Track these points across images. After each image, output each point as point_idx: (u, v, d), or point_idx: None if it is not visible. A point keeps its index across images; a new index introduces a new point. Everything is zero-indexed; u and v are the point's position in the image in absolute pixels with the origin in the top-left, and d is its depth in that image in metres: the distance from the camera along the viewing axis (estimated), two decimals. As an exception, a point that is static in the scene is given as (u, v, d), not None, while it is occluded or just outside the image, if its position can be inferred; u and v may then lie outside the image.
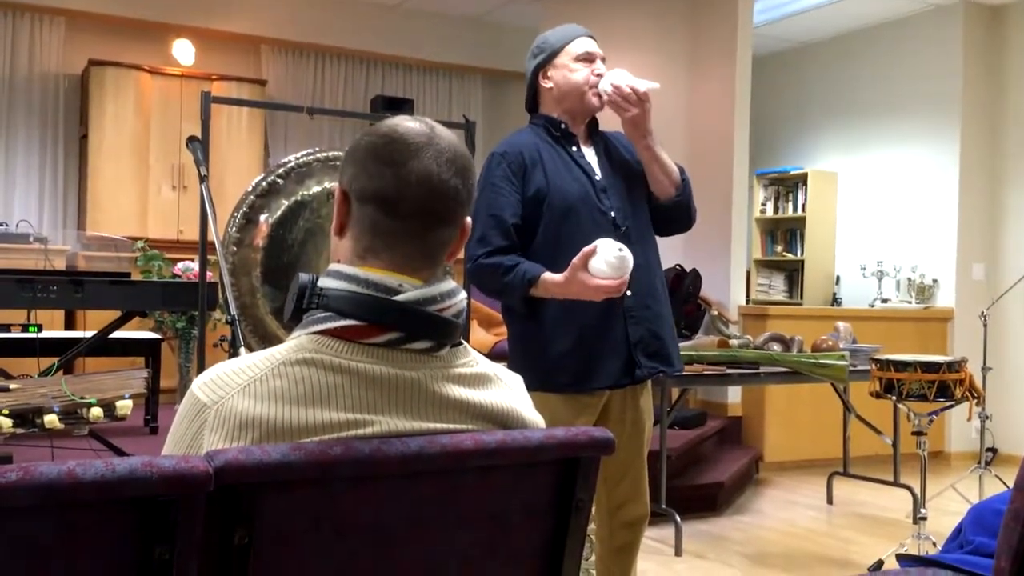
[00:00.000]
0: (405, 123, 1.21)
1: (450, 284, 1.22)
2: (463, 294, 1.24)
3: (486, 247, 2.38)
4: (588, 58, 2.49)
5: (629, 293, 2.39)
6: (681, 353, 4.54)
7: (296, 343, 1.15)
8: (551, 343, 2.42)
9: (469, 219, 1.27)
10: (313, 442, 1.07)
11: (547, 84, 2.52)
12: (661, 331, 2.51)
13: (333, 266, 1.21)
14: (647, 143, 2.48)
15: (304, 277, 1.19)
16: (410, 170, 1.17)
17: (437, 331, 1.18)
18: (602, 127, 2.64)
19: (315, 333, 1.15)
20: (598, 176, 2.50)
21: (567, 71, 2.48)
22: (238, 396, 1.10)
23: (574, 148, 2.51)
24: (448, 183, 1.19)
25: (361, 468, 1.06)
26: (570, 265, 2.24)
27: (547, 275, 2.33)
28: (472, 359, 1.25)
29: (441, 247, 1.23)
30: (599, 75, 2.48)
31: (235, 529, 1.01)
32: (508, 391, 1.27)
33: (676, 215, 2.60)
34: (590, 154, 2.54)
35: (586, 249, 2.22)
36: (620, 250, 2.21)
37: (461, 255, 1.40)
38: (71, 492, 0.89)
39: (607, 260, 2.20)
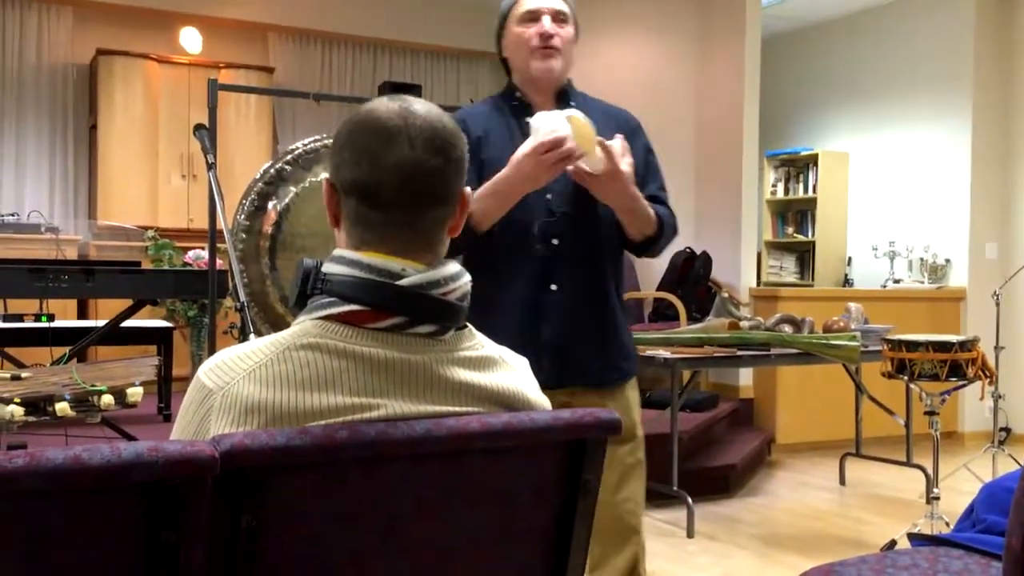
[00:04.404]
0: (380, 107, 1.18)
1: (454, 267, 1.21)
2: (467, 277, 1.23)
3: None
4: (532, 17, 2.23)
5: (554, 287, 2.19)
6: (692, 336, 4.60)
7: (301, 328, 1.15)
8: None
9: (468, 188, 1.25)
10: (319, 426, 1.07)
11: (505, 55, 2.32)
12: (578, 335, 2.21)
13: (337, 251, 1.21)
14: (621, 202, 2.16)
15: (308, 262, 1.18)
16: (385, 159, 1.15)
17: (441, 315, 1.17)
18: (610, 96, 2.41)
19: (320, 318, 1.15)
20: None
21: (513, 37, 2.27)
22: (244, 381, 1.10)
23: (527, 120, 2.27)
24: (427, 165, 1.16)
25: (367, 451, 1.07)
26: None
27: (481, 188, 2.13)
28: (477, 342, 1.24)
29: (436, 227, 1.21)
30: (544, 34, 2.20)
31: (242, 513, 1.01)
32: (514, 373, 1.27)
33: (645, 249, 2.33)
34: None
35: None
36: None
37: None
38: (78, 477, 0.90)
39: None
